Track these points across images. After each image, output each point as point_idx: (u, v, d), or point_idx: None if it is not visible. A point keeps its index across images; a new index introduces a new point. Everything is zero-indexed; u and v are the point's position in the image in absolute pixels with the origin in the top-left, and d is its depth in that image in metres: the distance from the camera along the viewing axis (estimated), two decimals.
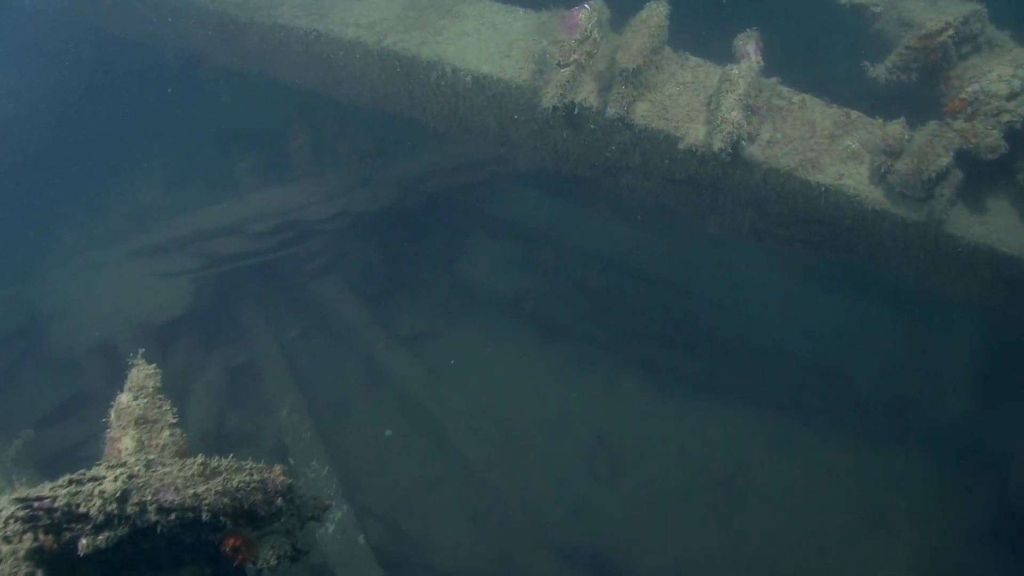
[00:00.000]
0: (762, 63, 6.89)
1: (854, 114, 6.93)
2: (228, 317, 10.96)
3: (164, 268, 10.44)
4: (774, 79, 7.05)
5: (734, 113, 6.49)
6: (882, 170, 6.41)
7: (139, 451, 3.55)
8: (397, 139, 10.56)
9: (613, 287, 9.70)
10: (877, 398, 8.89)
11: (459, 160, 10.38)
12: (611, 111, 6.86)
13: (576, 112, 7.13)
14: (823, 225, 7.19)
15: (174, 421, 3.81)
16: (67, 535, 2.82)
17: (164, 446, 3.64)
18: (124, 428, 3.71)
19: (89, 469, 3.03)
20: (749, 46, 6.87)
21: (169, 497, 2.97)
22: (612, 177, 7.81)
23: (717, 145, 6.50)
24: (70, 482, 2.96)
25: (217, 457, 3.29)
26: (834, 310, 9.24)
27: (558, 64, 6.95)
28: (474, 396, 9.80)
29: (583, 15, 6.95)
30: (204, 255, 10.46)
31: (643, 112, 6.94)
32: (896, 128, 6.42)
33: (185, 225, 10.44)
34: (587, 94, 7.04)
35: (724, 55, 7.05)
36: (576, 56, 6.97)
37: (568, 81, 6.97)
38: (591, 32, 7.01)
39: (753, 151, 6.74)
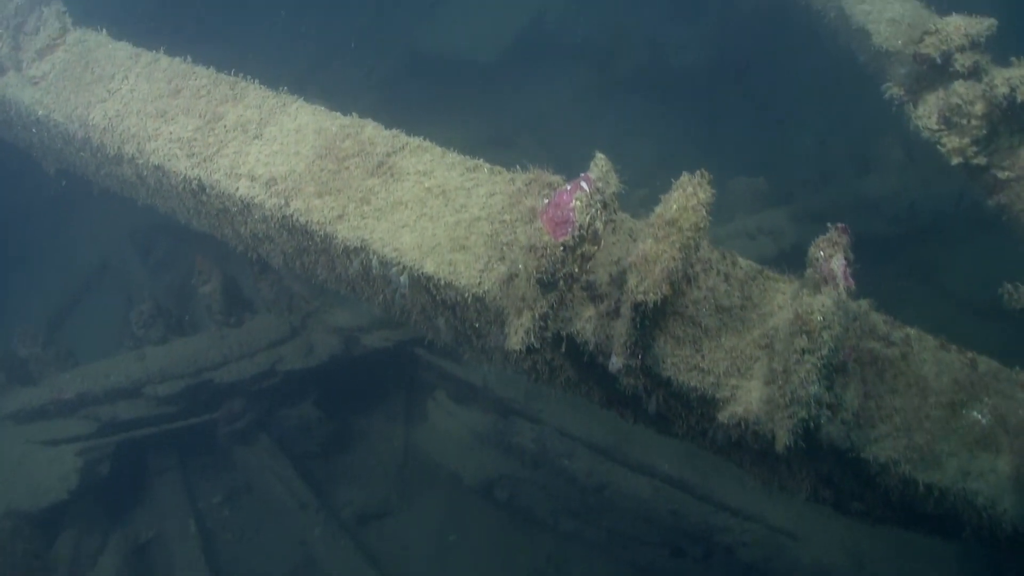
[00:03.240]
0: (853, 287, 3.99)
1: (983, 363, 4.12)
2: (135, 484, 8.02)
3: (46, 435, 7.46)
4: (864, 303, 4.19)
5: (812, 388, 3.62)
6: None
7: None
8: None
9: (607, 481, 6.78)
10: None
11: None
12: (616, 362, 3.99)
13: (564, 347, 4.26)
14: (923, 520, 4.35)
15: None
16: None
17: None
18: None
19: None
20: (835, 261, 3.96)
21: None
22: (622, 408, 4.92)
23: (782, 439, 3.71)
24: None
25: None
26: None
27: (538, 281, 4.02)
28: None
29: (578, 204, 4.04)
30: (97, 419, 7.48)
31: (666, 355, 4.06)
32: None
33: (72, 384, 7.46)
34: (582, 324, 4.16)
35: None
36: (565, 271, 4.07)
37: (550, 311, 4.07)
38: (589, 228, 4.09)
39: (833, 431, 3.90)
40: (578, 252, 4.15)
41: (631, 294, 3.87)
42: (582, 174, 4.21)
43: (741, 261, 4.35)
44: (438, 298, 4.63)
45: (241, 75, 5.65)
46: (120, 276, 9.32)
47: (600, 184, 4.19)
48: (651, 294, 3.84)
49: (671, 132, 9.34)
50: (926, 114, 4.84)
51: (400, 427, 7.85)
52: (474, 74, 10.20)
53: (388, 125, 9.89)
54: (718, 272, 4.27)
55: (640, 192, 7.58)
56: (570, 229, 4.02)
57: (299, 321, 7.49)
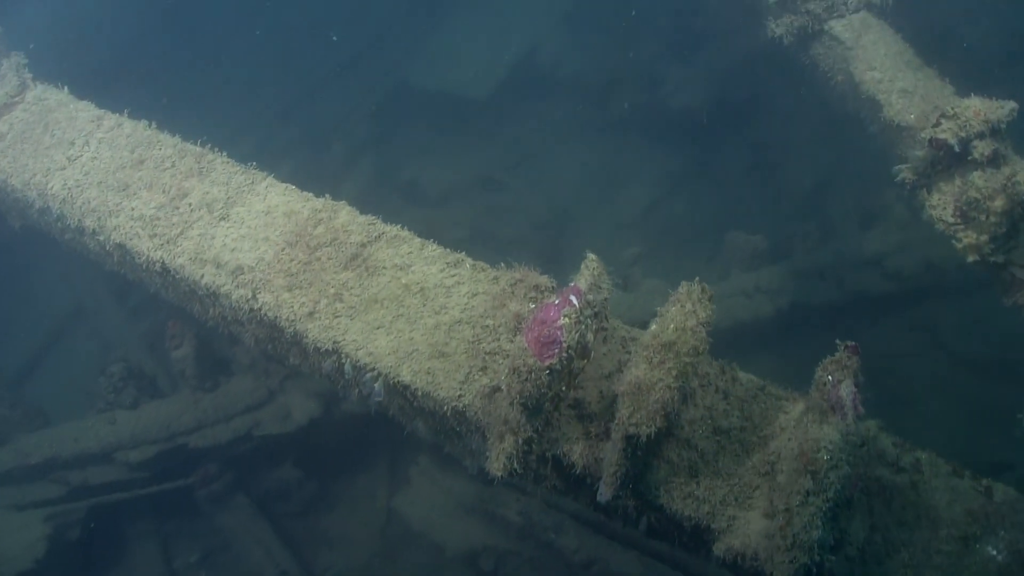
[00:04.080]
0: (862, 412, 3.66)
1: (999, 491, 3.83)
2: (109, 547, 7.66)
3: (12, 500, 7.08)
4: (873, 426, 3.89)
5: (815, 533, 3.31)
6: None
7: None
8: None
9: (595, 557, 6.46)
10: None
11: None
12: (605, 492, 3.65)
13: (550, 464, 3.93)
14: None
15: None
16: None
17: None
18: None
19: None
20: (844, 387, 3.62)
21: None
22: (612, 517, 4.57)
23: None
24: None
25: None
26: None
27: (522, 405, 3.69)
28: None
29: (566, 321, 3.69)
30: (67, 483, 7.11)
31: (659, 482, 3.75)
32: None
33: (39, 448, 7.09)
34: (570, 446, 3.83)
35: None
36: (551, 393, 3.74)
37: (535, 436, 3.74)
38: (577, 346, 3.76)
39: (837, 569, 3.61)
40: (566, 372, 3.81)
41: (623, 425, 3.53)
42: (571, 284, 3.86)
43: (741, 375, 4.00)
44: (416, 405, 4.29)
45: (209, 145, 5.30)
46: (95, 322, 8.92)
47: (591, 295, 3.84)
48: (644, 427, 3.50)
49: (666, 173, 8.98)
50: (941, 205, 4.49)
51: (383, 491, 7.50)
52: (465, 109, 9.84)
53: (377, 161, 9.53)
54: (716, 389, 3.93)
55: (632, 250, 7.23)
56: (557, 350, 3.67)
57: (277, 384, 7.14)
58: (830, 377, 3.65)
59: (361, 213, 4.91)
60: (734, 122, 8.46)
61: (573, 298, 3.76)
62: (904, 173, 4.67)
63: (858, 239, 7.42)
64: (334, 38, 10.34)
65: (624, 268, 7.01)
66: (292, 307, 4.41)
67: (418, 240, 4.60)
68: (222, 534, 7.74)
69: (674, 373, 3.49)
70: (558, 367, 3.65)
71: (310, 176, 10.29)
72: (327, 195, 4.94)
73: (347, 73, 10.52)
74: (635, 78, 9.13)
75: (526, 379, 3.63)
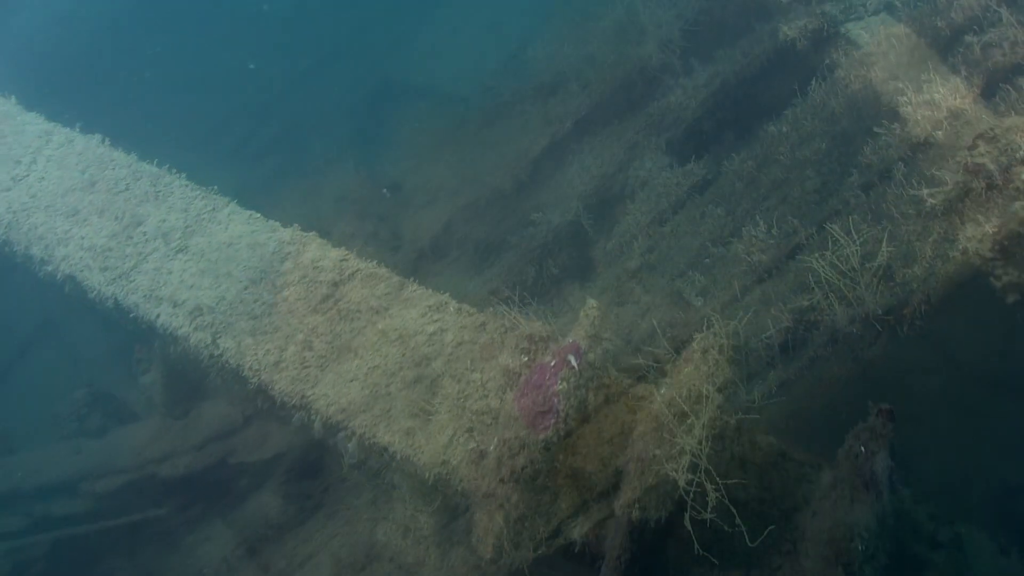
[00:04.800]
0: (900, 491, 3.21)
1: None
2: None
3: None
4: (907, 497, 3.46)
5: None
6: None
7: None
8: None
9: None
10: None
11: None
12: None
13: (544, 544, 3.48)
14: None
15: None
16: None
17: None
18: None
19: None
20: (879, 461, 3.20)
21: None
22: None
23: None
24: None
25: None
26: None
27: (513, 481, 3.26)
28: None
29: (563, 387, 3.24)
30: (28, 516, 6.65)
31: (668, 562, 3.29)
32: None
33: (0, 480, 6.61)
34: (567, 522, 3.39)
35: None
36: (547, 467, 3.29)
37: (527, 513, 3.31)
38: (576, 413, 3.30)
39: None
40: (563, 443, 3.35)
41: (628, 508, 3.10)
42: (570, 341, 3.40)
43: (760, 439, 3.57)
44: (393, 465, 3.84)
45: (166, 168, 4.78)
46: (64, 334, 8.42)
47: (592, 354, 3.38)
48: (653, 511, 3.07)
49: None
50: (976, 237, 4.05)
51: (366, 518, 7.07)
52: (451, 107, 9.31)
53: (360, 162, 8.93)
54: (732, 456, 3.49)
55: (632, 263, 6.75)
56: (553, 421, 3.22)
57: (252, 409, 6.68)
58: (863, 448, 3.22)
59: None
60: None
61: (572, 358, 3.30)
62: (934, 200, 4.21)
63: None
64: (251, 66, 9.79)
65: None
66: (256, 355, 3.94)
67: (396, 279, 4.13)
68: (199, 562, 7.33)
69: (688, 453, 3.05)
70: (554, 439, 3.20)
71: (289, 178, 9.89)
72: (295, 226, 4.45)
73: (329, 69, 9.96)
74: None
75: (518, 453, 3.19)
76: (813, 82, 5.52)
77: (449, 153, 8.73)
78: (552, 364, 3.27)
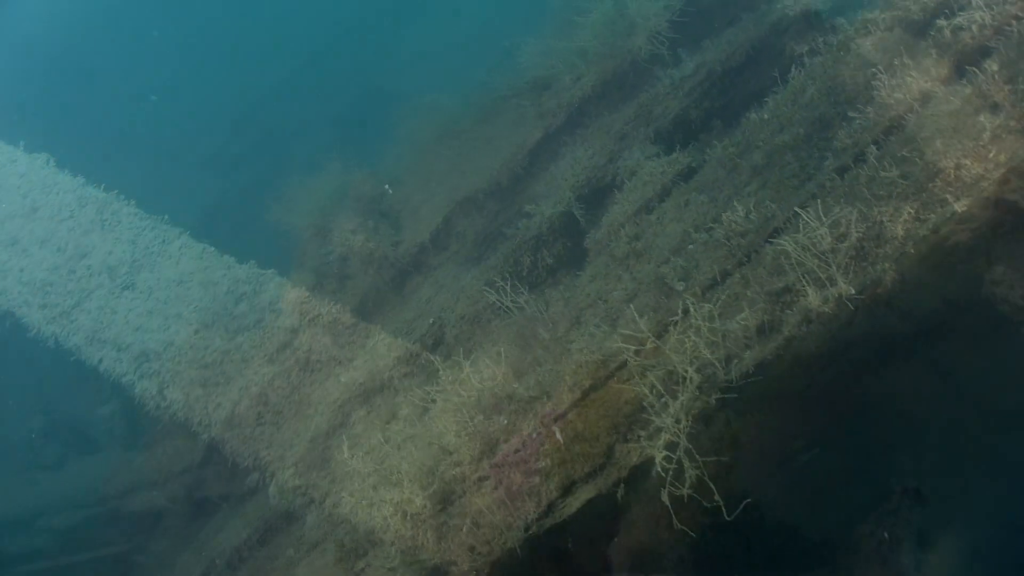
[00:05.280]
0: None
1: None
2: None
3: None
4: None
5: None
6: None
7: None
8: None
9: None
10: None
11: None
12: None
13: None
14: None
15: None
16: None
17: None
18: None
19: None
20: (905, 555, 3.24)
21: None
22: None
23: None
24: None
25: None
26: None
27: None
28: None
29: (545, 463, 3.36)
30: None
31: None
32: None
33: None
34: None
35: None
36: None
37: None
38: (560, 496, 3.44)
39: None
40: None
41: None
42: (553, 410, 3.46)
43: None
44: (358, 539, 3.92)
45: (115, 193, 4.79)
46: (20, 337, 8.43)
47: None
48: None
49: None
50: (1006, 282, 3.96)
51: None
52: (448, 104, 9.41)
53: (360, 162, 9.04)
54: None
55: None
56: (535, 504, 3.25)
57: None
58: (886, 534, 3.23)
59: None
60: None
61: (557, 430, 3.36)
62: (958, 238, 4.05)
63: None
64: (153, 97, 9.84)
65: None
66: (206, 408, 4.01)
67: (362, 324, 4.17)
68: None
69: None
70: (535, 531, 3.27)
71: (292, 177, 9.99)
72: (251, 262, 4.46)
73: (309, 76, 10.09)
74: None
75: (494, 543, 3.26)
76: (793, 69, 5.63)
77: (448, 149, 8.87)
78: (535, 436, 3.34)
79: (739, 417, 4.49)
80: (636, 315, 4.11)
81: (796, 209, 4.19)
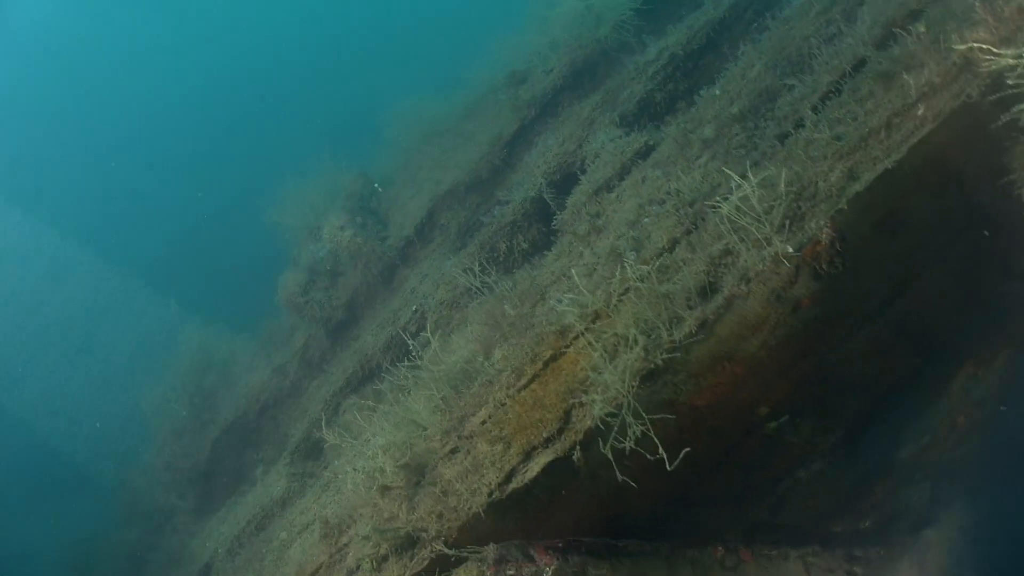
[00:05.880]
0: None
1: None
2: None
3: None
4: None
5: None
6: None
7: None
8: None
9: None
10: None
11: None
12: None
13: None
14: None
15: None
16: None
17: None
18: None
19: None
20: None
21: None
22: None
23: None
24: None
25: None
26: None
27: None
28: None
29: None
30: None
31: None
32: None
33: None
34: None
35: None
36: None
37: None
38: None
39: None
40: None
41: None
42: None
43: None
44: None
45: None
46: None
47: None
48: None
49: None
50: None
51: None
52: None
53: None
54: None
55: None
56: None
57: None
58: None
59: None
60: None
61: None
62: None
63: None
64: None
65: None
66: None
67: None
68: None
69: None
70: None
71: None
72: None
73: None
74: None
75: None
76: (741, 45, 5.80)
77: (434, 147, 9.15)
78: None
79: (691, 379, 4.66)
80: (578, 278, 4.30)
81: (728, 172, 4.36)
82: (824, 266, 4.68)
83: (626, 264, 4.23)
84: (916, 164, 4.36)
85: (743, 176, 4.58)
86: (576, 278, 4.28)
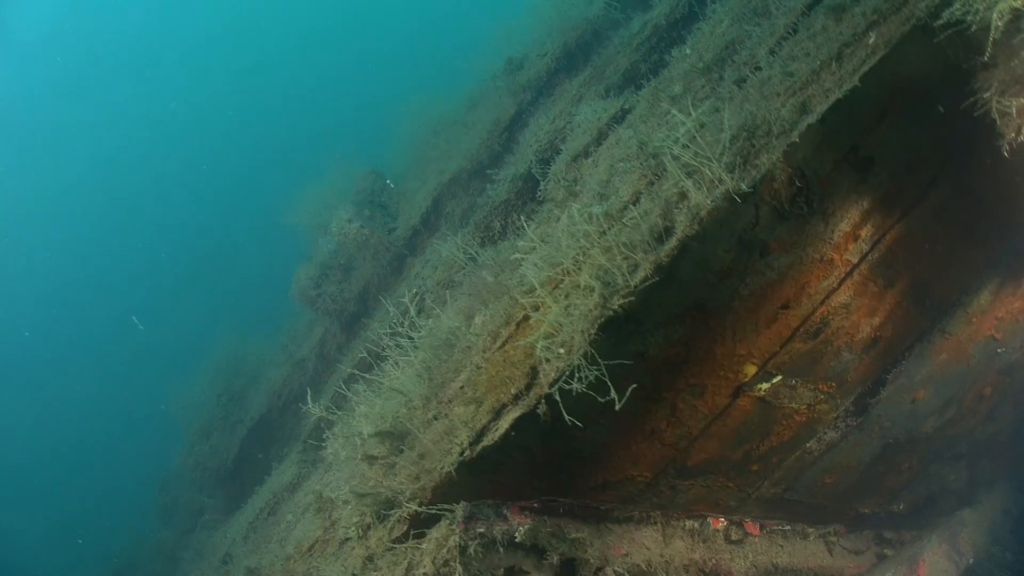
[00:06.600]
0: None
1: None
2: None
3: None
4: None
5: None
6: None
7: None
8: None
9: None
10: None
11: None
12: None
13: None
14: None
15: None
16: None
17: None
18: None
19: None
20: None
21: None
22: None
23: None
24: None
25: None
26: None
27: None
28: None
29: None
30: None
31: None
32: None
33: None
34: None
35: None
36: None
37: None
38: None
39: None
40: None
41: None
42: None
43: None
44: None
45: None
46: None
47: None
48: None
49: None
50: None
51: None
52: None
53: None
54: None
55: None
56: None
57: None
58: None
59: None
60: None
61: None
62: None
63: None
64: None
65: None
66: None
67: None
68: None
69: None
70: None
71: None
72: None
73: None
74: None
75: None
76: (709, 2, 5.78)
77: (441, 139, 9.34)
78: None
79: (659, 330, 4.61)
80: (529, 228, 4.34)
81: (674, 112, 4.34)
82: (787, 206, 4.58)
83: (592, 217, 4.25)
84: (872, 94, 4.25)
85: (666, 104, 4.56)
86: (530, 232, 4.31)
